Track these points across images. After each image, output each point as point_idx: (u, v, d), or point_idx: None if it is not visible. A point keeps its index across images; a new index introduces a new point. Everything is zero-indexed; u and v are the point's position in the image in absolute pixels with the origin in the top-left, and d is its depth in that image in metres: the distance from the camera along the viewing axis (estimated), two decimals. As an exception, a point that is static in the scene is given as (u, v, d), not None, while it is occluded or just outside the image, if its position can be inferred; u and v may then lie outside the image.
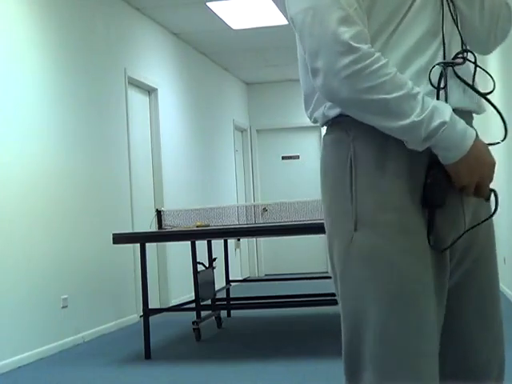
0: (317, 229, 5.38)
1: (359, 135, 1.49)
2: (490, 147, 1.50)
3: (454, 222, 1.50)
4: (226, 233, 5.48)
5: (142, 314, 5.36)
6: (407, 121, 1.39)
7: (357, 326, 1.46)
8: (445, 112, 1.41)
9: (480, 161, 1.45)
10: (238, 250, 10.82)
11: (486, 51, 1.70)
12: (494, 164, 1.48)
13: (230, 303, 6.77)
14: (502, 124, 1.53)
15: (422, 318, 1.43)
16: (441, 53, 1.51)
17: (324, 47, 1.42)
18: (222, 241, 7.26)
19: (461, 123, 1.43)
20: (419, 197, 1.46)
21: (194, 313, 6.01)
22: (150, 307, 5.31)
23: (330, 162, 1.54)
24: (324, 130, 1.61)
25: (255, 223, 6.71)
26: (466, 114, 1.50)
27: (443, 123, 1.40)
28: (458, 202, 1.50)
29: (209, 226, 5.87)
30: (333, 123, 1.54)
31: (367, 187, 1.47)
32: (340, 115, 1.50)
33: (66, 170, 5.94)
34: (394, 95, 1.39)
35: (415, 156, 1.45)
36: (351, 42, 1.40)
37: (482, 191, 1.47)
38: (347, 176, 1.49)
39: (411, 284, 1.43)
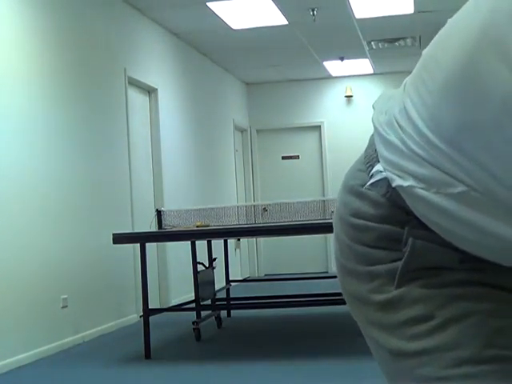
0: (317, 229, 5.39)
1: None
2: None
3: None
4: (226, 233, 5.48)
5: (141, 313, 5.36)
6: None
7: None
8: None
9: None
10: (237, 249, 10.82)
11: None
12: None
13: (230, 303, 6.77)
14: None
15: None
16: None
17: None
18: (222, 241, 7.26)
19: None
20: None
21: (194, 313, 6.01)
22: (150, 307, 5.31)
23: None
24: None
25: (255, 223, 6.72)
26: None
27: None
28: None
29: (209, 226, 5.87)
30: None
31: None
32: None
33: (65, 170, 5.94)
34: None
35: None
36: None
37: None
38: None
39: None
